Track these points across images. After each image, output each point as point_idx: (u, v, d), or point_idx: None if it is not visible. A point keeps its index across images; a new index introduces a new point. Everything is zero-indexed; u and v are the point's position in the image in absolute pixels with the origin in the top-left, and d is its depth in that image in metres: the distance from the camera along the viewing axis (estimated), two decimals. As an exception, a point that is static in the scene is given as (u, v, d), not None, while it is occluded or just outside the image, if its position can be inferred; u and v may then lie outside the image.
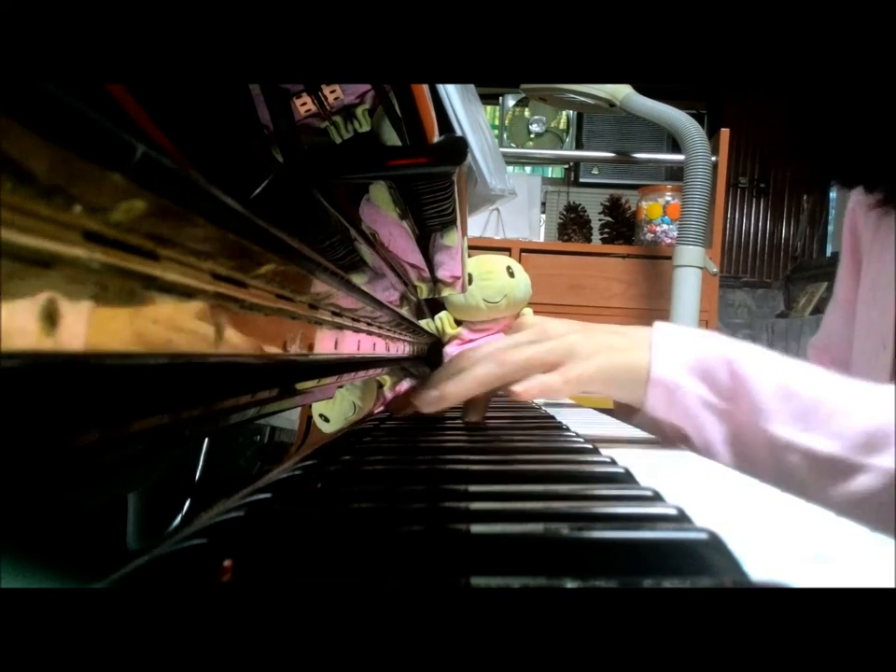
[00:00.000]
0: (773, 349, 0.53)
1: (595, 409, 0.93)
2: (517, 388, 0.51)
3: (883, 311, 0.70)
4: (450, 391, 0.51)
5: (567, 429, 0.57)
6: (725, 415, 0.51)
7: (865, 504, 0.44)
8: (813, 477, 0.45)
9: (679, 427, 0.53)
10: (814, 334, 0.92)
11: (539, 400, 0.95)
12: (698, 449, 0.52)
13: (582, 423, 0.69)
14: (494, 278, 1.28)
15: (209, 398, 0.26)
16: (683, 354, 0.52)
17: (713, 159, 1.77)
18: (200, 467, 0.24)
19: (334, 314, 0.46)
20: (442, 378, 0.53)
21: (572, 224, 2.20)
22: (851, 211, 0.80)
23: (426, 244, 0.57)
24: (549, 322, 0.56)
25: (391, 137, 0.36)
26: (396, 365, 0.79)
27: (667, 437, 0.56)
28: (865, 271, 0.76)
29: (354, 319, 0.53)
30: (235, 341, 0.26)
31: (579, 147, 2.81)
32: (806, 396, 0.47)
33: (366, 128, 0.35)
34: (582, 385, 0.53)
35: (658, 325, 0.55)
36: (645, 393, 0.52)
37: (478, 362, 0.53)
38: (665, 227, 1.98)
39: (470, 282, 1.24)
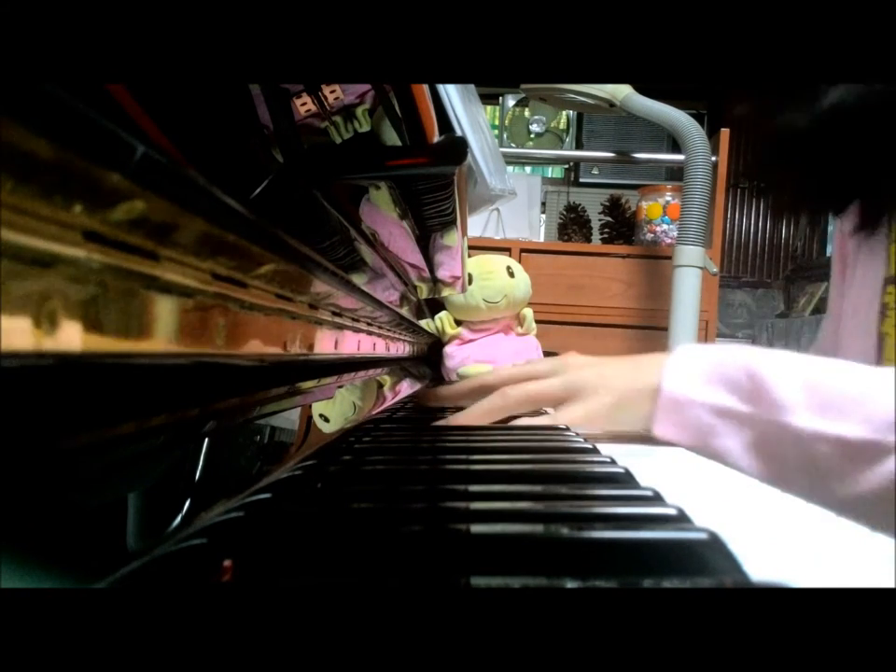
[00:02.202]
0: (773, 349, 0.53)
1: None
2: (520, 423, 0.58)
3: (865, 328, 0.74)
4: (459, 421, 0.59)
5: (567, 429, 0.57)
6: (747, 420, 0.50)
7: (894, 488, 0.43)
8: (844, 465, 0.45)
9: (690, 446, 0.53)
10: (814, 334, 0.94)
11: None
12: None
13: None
14: (494, 278, 1.28)
15: (209, 398, 0.25)
16: (699, 366, 0.52)
17: (713, 159, 1.77)
18: (200, 467, 0.24)
19: (334, 314, 0.46)
20: (454, 399, 0.66)
21: (572, 224, 2.20)
22: (839, 233, 0.83)
23: (426, 244, 0.57)
24: (571, 356, 0.61)
25: (391, 137, 0.36)
26: (396, 365, 0.79)
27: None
28: (849, 286, 0.79)
29: (354, 319, 0.53)
30: (235, 341, 0.26)
31: (579, 147, 2.81)
32: (829, 386, 0.48)
33: (366, 128, 0.35)
34: (587, 422, 0.55)
35: (681, 346, 0.55)
36: (654, 415, 0.53)
37: (489, 394, 0.60)
38: (664, 227, 1.98)
39: (470, 282, 1.24)
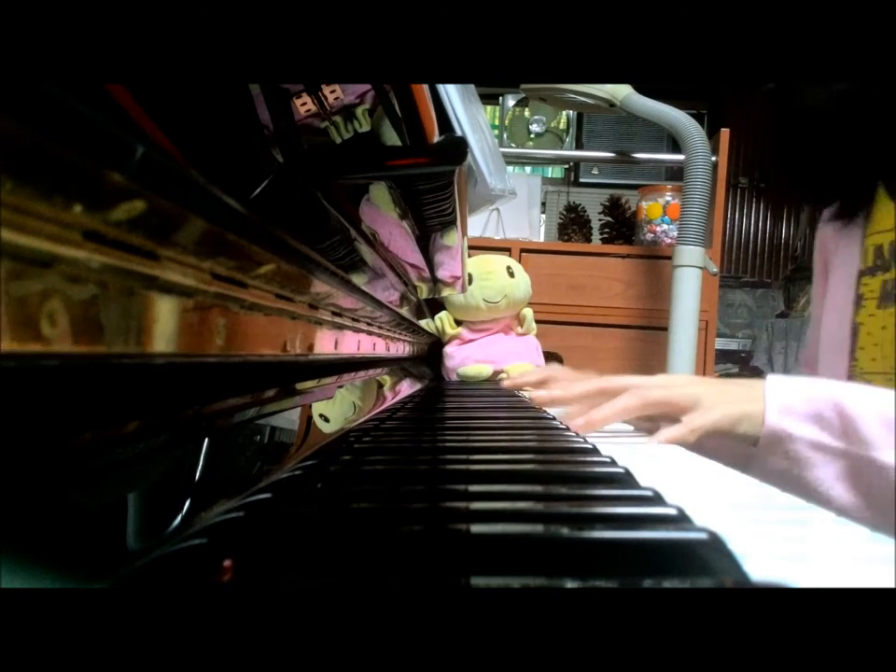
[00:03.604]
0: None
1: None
2: (651, 440, 0.58)
3: (841, 318, 0.77)
4: (596, 420, 0.60)
5: (567, 429, 0.57)
6: (838, 453, 0.57)
7: None
8: None
9: (784, 469, 0.58)
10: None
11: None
12: (798, 490, 0.57)
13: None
14: (494, 278, 1.28)
15: (209, 398, 0.26)
16: (794, 402, 0.58)
17: (713, 159, 1.77)
18: (200, 467, 0.24)
19: (334, 314, 0.46)
20: (584, 401, 0.65)
21: (572, 224, 2.19)
22: (821, 231, 0.85)
23: (426, 244, 0.57)
24: (674, 375, 0.64)
25: (391, 137, 0.36)
26: (396, 365, 0.79)
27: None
28: (829, 282, 0.82)
29: (354, 319, 0.53)
30: (235, 341, 0.26)
31: (579, 147, 2.81)
32: None
33: (366, 128, 0.35)
34: (706, 432, 0.59)
35: (770, 377, 0.61)
36: (758, 440, 0.58)
37: (622, 394, 0.61)
38: (665, 227, 1.98)
39: (470, 282, 1.24)
